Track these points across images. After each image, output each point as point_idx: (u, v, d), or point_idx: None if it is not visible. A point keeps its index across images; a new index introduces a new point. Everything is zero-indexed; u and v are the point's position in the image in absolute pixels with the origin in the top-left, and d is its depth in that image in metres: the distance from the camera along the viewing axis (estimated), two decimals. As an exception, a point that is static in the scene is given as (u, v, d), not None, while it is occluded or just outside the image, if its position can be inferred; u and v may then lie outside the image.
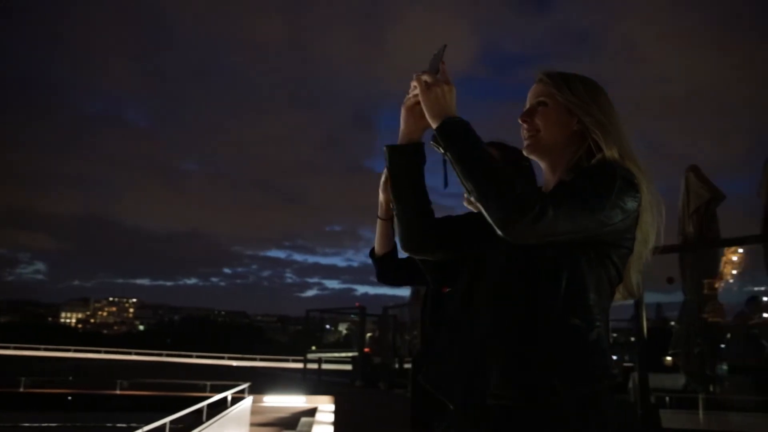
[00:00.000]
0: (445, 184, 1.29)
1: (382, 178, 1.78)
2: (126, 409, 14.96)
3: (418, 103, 1.29)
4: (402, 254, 1.91)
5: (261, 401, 9.57)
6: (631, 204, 1.14)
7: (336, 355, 18.60)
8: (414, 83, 1.29)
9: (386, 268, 1.89)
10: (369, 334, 15.54)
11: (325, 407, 9.24)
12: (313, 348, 17.25)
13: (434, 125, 1.22)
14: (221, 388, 9.27)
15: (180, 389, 14.28)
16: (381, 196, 1.82)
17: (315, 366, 15.51)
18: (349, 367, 15.94)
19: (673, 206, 5.25)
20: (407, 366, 13.09)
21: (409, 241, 1.39)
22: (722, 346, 5.91)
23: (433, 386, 1.28)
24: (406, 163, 1.36)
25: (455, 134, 1.19)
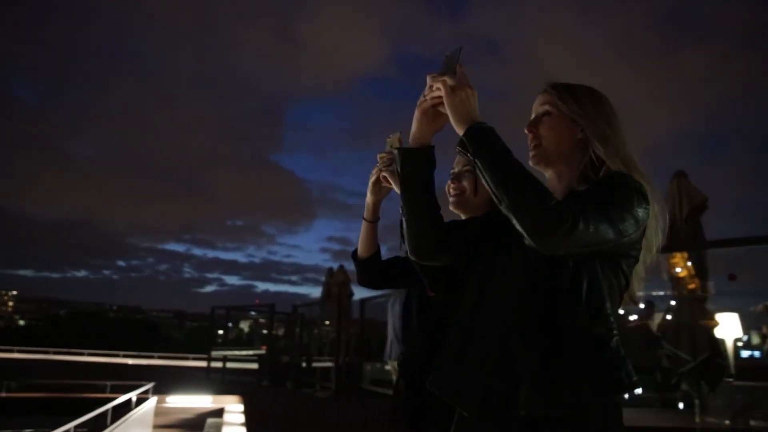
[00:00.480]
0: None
1: (372, 180, 1.76)
2: (15, 413, 13.57)
3: (435, 105, 1.28)
4: (398, 257, 1.91)
5: (164, 402, 9.19)
6: (643, 215, 1.17)
7: (242, 353, 18.18)
8: (436, 85, 1.26)
9: (369, 271, 1.87)
10: (273, 332, 15.32)
11: (233, 407, 9.02)
12: (218, 343, 16.76)
13: (461, 130, 1.21)
14: (123, 389, 8.80)
15: (77, 390, 13.33)
16: (368, 198, 1.80)
17: (219, 365, 15.08)
18: (254, 365, 15.64)
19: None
20: (316, 365, 13.04)
21: (419, 245, 1.36)
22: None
23: (444, 393, 1.26)
24: (419, 167, 1.34)
25: (485, 140, 1.18)
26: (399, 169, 1.35)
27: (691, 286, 5.43)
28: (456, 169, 1.72)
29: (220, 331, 18.30)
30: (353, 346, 11.57)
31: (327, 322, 13.90)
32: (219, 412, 8.77)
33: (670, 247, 5.31)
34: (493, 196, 1.14)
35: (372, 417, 8.10)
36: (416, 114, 1.33)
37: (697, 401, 5.15)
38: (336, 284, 12.58)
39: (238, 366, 16.46)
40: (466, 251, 1.39)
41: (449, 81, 1.23)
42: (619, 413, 1.17)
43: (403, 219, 1.38)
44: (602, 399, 1.13)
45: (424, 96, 1.30)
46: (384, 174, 1.71)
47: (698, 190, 5.52)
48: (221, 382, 12.90)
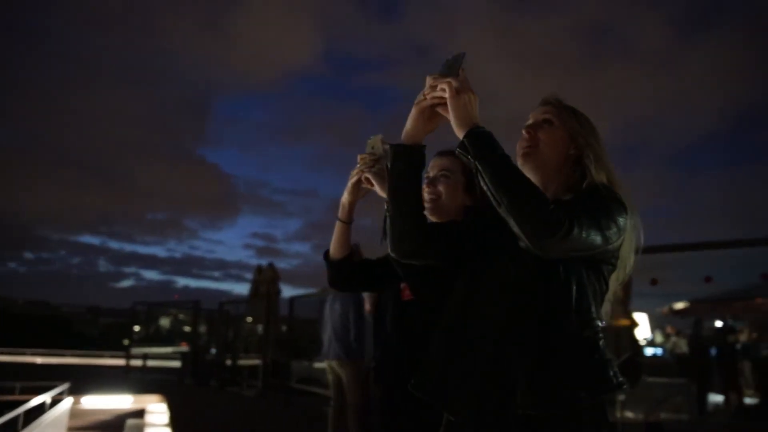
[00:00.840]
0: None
1: (352, 180, 1.73)
2: None
3: (434, 105, 1.29)
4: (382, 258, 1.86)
5: (80, 403, 8.72)
6: (623, 224, 1.23)
7: (164, 350, 17.54)
8: (441, 86, 1.26)
9: (341, 273, 1.84)
10: (197, 329, 14.90)
11: (155, 407, 8.70)
12: (138, 340, 16.09)
13: (462, 132, 1.22)
14: (34, 390, 8.27)
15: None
16: (346, 198, 1.77)
17: (139, 363, 14.49)
18: (176, 363, 15.13)
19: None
20: (242, 363, 12.79)
21: (403, 244, 1.35)
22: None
23: (432, 396, 1.27)
24: (411, 164, 1.33)
25: (486, 144, 1.20)
26: (390, 165, 1.35)
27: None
28: (431, 174, 1.73)
29: (137, 328, 17.58)
30: (282, 344, 11.45)
31: (249, 319, 13.67)
32: (140, 413, 8.43)
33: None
34: (492, 199, 1.16)
35: (300, 416, 8.06)
36: (413, 112, 1.33)
37: (620, 398, 5.46)
38: (265, 281, 12.39)
39: (160, 364, 15.88)
40: (451, 253, 1.39)
41: (454, 83, 1.24)
42: (606, 412, 1.22)
43: (388, 217, 1.37)
44: (594, 399, 1.17)
45: (424, 95, 1.30)
46: (367, 175, 1.69)
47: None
48: (142, 381, 12.39)
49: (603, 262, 1.26)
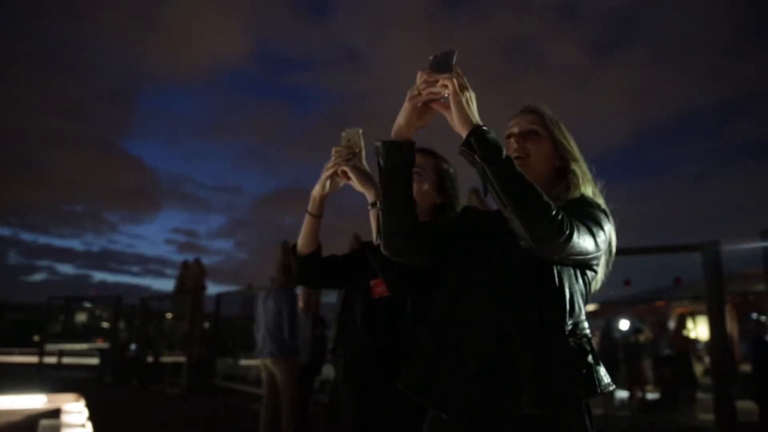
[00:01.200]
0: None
1: (326, 173, 1.65)
2: None
3: (429, 101, 1.27)
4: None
5: (-13, 403, 8.22)
6: (608, 232, 1.28)
7: (81, 347, 16.73)
8: (443, 82, 1.23)
9: (310, 269, 1.79)
10: (118, 325, 14.35)
11: (71, 407, 8.31)
12: (52, 335, 15.27)
13: (465, 131, 1.20)
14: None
15: None
16: (317, 192, 1.69)
17: (54, 360, 13.78)
18: (94, 361, 14.51)
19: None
20: (165, 360, 12.44)
21: (396, 243, 1.34)
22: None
23: (419, 392, 1.27)
24: (402, 161, 1.31)
25: (493, 144, 1.18)
26: (382, 163, 1.32)
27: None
28: None
29: (52, 323, 16.70)
30: (207, 341, 11.23)
31: (169, 315, 13.31)
32: (55, 413, 8.02)
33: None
34: (497, 200, 1.17)
35: (225, 414, 7.94)
36: (407, 107, 1.30)
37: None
38: (191, 277, 12.11)
39: (76, 361, 15.14)
40: (442, 252, 1.38)
41: (456, 80, 1.23)
42: (591, 413, 1.24)
43: (381, 215, 1.35)
44: (585, 399, 1.21)
45: (419, 90, 1.27)
46: (344, 169, 1.63)
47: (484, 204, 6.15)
48: (56, 380, 11.80)
49: (588, 267, 1.30)
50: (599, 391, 1.19)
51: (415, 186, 1.56)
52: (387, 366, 1.57)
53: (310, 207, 1.73)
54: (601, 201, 1.36)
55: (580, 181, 1.36)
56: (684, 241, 6.07)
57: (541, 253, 1.18)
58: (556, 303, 1.23)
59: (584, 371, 1.20)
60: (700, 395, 8.50)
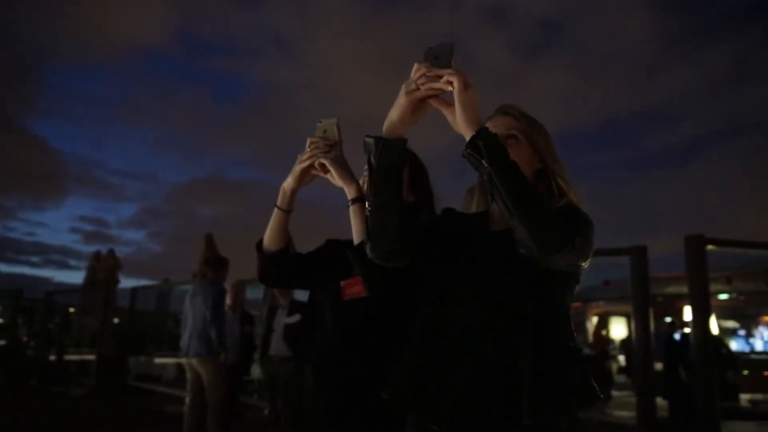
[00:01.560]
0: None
1: (301, 165, 1.55)
2: None
3: (427, 97, 1.22)
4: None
5: None
6: (593, 242, 1.27)
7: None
8: (448, 77, 1.17)
9: (275, 267, 1.68)
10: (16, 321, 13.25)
11: (-41, 411, 7.57)
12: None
13: (471, 131, 1.16)
14: None
15: None
16: (289, 184, 1.59)
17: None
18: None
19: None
20: (70, 358, 11.59)
21: (384, 244, 1.29)
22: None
23: (407, 401, 1.22)
24: (395, 159, 1.26)
25: (500, 148, 1.15)
26: (374, 160, 1.26)
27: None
28: None
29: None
30: (118, 338, 10.61)
31: (71, 309, 12.49)
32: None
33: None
34: (503, 207, 1.13)
35: (138, 416, 7.50)
36: (403, 101, 1.23)
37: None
38: (103, 269, 11.41)
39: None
40: (428, 254, 1.34)
41: (462, 77, 1.18)
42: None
43: (369, 214, 1.29)
44: (579, 408, 1.20)
45: (416, 84, 1.21)
46: (322, 161, 1.53)
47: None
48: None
49: (574, 275, 1.30)
50: (599, 398, 1.20)
51: None
52: (362, 372, 1.52)
53: (279, 201, 1.62)
54: (583, 207, 1.35)
55: (567, 188, 1.34)
56: (608, 245, 6.30)
57: (542, 262, 1.16)
58: (553, 309, 1.22)
59: (583, 379, 1.20)
60: (614, 393, 8.89)
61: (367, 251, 1.32)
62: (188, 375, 4.76)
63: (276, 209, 1.63)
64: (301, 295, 5.76)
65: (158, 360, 10.88)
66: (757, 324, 13.31)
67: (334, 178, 1.53)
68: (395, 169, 1.27)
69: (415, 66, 1.21)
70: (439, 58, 1.21)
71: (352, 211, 1.50)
